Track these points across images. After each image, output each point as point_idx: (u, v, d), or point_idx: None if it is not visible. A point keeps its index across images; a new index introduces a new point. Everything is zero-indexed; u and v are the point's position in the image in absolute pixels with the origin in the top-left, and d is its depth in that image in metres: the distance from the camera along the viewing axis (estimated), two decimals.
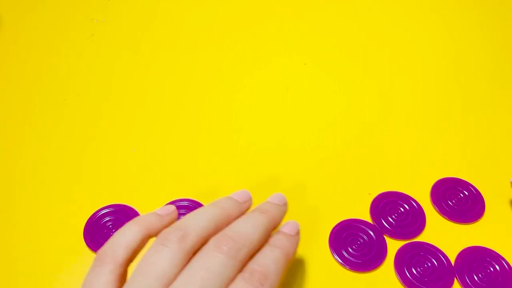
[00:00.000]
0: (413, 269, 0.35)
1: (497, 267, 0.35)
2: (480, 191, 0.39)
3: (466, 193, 0.39)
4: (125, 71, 0.47)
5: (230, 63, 0.48)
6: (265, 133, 0.43)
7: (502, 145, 0.42)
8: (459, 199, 0.38)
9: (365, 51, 0.49)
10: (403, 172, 0.40)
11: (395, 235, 0.36)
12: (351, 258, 0.35)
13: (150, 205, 0.37)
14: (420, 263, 0.35)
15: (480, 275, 0.35)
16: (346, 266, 0.35)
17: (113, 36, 0.50)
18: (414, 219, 0.37)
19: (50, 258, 0.35)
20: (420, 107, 0.45)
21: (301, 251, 0.36)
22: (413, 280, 0.34)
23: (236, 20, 0.52)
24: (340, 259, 0.35)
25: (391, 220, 0.37)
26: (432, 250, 0.36)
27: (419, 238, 0.36)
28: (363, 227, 0.37)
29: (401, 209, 0.38)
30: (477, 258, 0.35)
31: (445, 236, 0.37)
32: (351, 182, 0.39)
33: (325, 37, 0.51)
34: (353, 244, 0.36)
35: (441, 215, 0.38)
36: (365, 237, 0.36)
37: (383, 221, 0.37)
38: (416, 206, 0.38)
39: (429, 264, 0.35)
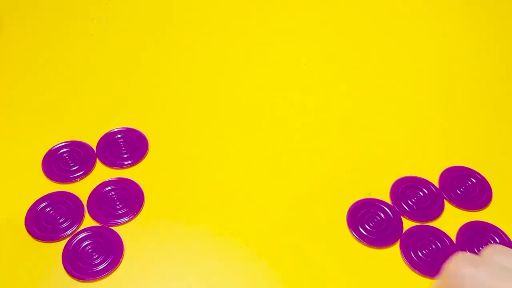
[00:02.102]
0: (418, 252, 0.36)
1: (497, 240, 0.36)
2: (487, 179, 0.39)
3: (474, 180, 0.39)
4: (125, 71, 0.47)
5: (229, 63, 0.48)
6: (265, 133, 0.43)
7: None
8: (467, 187, 0.39)
9: (365, 50, 0.49)
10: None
11: (413, 217, 0.37)
12: (367, 234, 0.36)
13: None
14: (425, 246, 0.36)
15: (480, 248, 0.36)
16: (362, 242, 0.36)
17: (113, 36, 0.50)
18: (433, 203, 0.38)
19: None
20: (421, 101, 0.45)
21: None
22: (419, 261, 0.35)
23: (236, 20, 0.52)
24: (356, 235, 0.36)
25: (410, 203, 0.38)
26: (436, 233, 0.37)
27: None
28: (381, 205, 0.38)
29: (420, 193, 0.39)
30: (479, 232, 0.36)
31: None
32: (352, 182, 0.40)
33: (325, 37, 0.51)
34: (370, 221, 0.37)
35: (450, 204, 0.38)
36: (382, 215, 0.37)
37: (402, 204, 0.38)
38: (435, 191, 0.39)
39: (433, 246, 0.36)
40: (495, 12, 0.53)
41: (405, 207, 0.38)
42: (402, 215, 0.37)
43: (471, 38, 0.51)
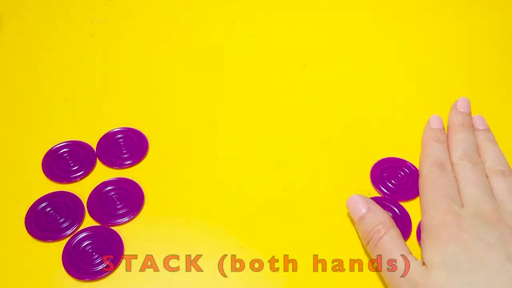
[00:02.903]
0: None
1: None
2: None
3: None
4: (125, 71, 0.47)
5: (229, 63, 0.48)
6: (264, 133, 0.43)
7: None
8: None
9: (364, 51, 0.50)
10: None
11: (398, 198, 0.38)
12: None
13: None
14: None
15: None
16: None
17: (113, 36, 0.50)
18: (415, 182, 0.39)
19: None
20: (418, 101, 0.45)
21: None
22: None
23: (237, 21, 0.52)
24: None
25: (390, 184, 0.39)
26: None
27: None
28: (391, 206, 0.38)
29: (401, 173, 0.39)
30: None
31: None
32: (351, 182, 0.40)
33: (325, 37, 0.51)
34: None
35: None
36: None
37: (382, 187, 0.39)
38: (414, 169, 0.40)
39: None
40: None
41: (384, 189, 0.39)
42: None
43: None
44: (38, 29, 0.51)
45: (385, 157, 0.41)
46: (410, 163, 0.40)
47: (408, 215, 0.37)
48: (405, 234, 0.36)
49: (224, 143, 0.42)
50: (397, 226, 0.36)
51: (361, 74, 0.47)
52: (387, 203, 0.38)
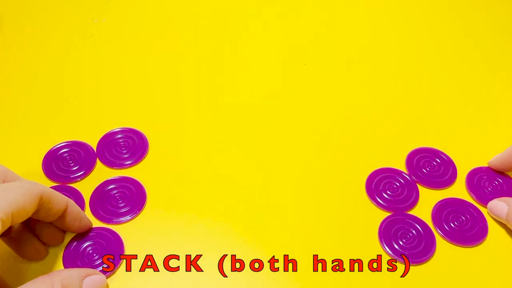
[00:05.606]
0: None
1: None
2: (452, 158, 0.41)
3: (439, 160, 0.41)
4: (125, 71, 0.47)
5: (230, 63, 0.48)
6: (264, 133, 0.43)
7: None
8: (433, 166, 0.41)
9: (363, 51, 0.50)
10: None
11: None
12: (402, 251, 0.36)
13: None
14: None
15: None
16: (397, 258, 0.36)
17: (113, 36, 0.50)
18: (409, 193, 0.39)
19: None
20: (416, 102, 0.45)
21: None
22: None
23: (237, 21, 0.52)
24: (391, 251, 0.36)
25: (385, 195, 0.39)
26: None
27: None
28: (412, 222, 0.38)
29: (396, 183, 0.39)
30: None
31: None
32: (351, 181, 0.40)
33: (325, 37, 0.51)
34: (403, 237, 0.37)
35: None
36: (414, 232, 0.37)
37: (377, 197, 0.39)
38: (409, 179, 0.40)
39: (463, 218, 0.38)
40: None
41: (380, 200, 0.38)
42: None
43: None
44: (38, 29, 0.51)
45: (381, 164, 0.41)
46: (403, 172, 0.40)
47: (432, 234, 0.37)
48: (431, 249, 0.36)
49: (224, 143, 0.42)
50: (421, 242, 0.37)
51: (361, 75, 0.48)
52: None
